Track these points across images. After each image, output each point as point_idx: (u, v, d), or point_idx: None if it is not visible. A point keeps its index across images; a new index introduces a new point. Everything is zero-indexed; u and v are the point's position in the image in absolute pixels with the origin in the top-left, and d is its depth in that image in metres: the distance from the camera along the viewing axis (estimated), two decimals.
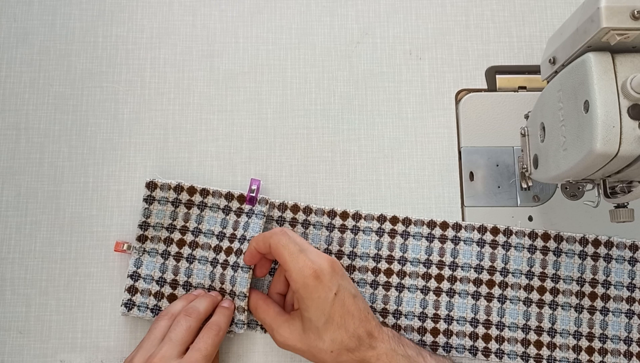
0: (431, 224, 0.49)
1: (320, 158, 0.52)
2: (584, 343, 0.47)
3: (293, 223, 0.49)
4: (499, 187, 0.51)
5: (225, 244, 0.48)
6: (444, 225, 0.49)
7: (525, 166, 0.45)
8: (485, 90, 0.53)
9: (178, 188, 0.48)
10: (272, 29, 0.54)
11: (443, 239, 0.49)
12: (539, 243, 0.48)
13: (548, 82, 0.41)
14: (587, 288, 0.47)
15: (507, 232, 0.48)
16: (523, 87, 0.52)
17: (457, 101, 0.53)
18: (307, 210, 0.49)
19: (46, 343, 0.48)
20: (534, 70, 0.53)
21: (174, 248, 0.48)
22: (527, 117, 0.47)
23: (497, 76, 0.53)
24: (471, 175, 0.51)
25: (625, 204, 0.38)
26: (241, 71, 0.53)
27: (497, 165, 0.51)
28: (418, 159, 0.52)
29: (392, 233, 0.49)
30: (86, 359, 0.47)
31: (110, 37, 0.54)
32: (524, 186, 0.48)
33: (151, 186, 0.48)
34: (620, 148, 0.32)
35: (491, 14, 0.54)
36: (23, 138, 0.52)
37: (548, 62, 0.40)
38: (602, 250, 0.48)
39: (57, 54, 0.53)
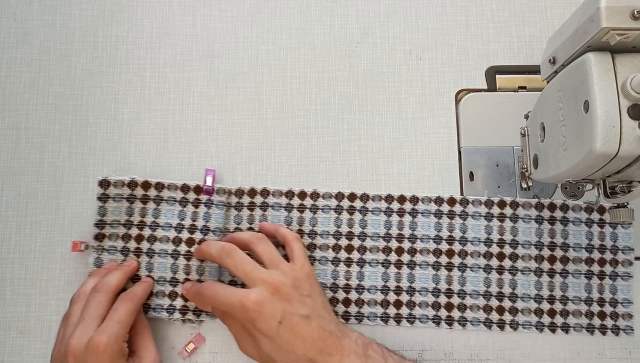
0: (389, 198, 0.49)
1: (320, 158, 0.52)
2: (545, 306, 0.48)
3: (251, 207, 0.49)
4: (499, 187, 0.51)
5: (185, 235, 0.48)
6: (401, 199, 0.49)
7: (525, 166, 0.45)
8: (485, 90, 0.53)
9: (132, 184, 0.48)
10: (272, 29, 0.54)
11: (401, 212, 0.49)
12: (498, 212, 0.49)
13: (548, 82, 0.41)
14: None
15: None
16: (523, 87, 0.52)
17: (457, 101, 0.53)
18: (265, 192, 0.50)
19: (46, 343, 0.48)
20: (534, 70, 0.53)
21: (132, 244, 0.48)
22: (527, 117, 0.47)
23: (497, 76, 0.53)
24: (471, 175, 0.51)
25: (625, 204, 0.38)
26: (241, 71, 0.53)
27: (497, 165, 0.51)
28: (418, 159, 0.52)
29: (351, 210, 0.49)
30: None
31: (110, 37, 0.54)
32: (524, 186, 0.48)
33: (104, 184, 0.48)
34: (620, 148, 0.32)
35: (491, 14, 0.54)
36: (23, 138, 0.52)
37: (548, 62, 0.40)
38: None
39: (57, 54, 0.53)
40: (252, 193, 0.50)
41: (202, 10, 0.55)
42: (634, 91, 0.32)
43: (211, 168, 0.50)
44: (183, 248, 0.47)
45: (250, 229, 0.49)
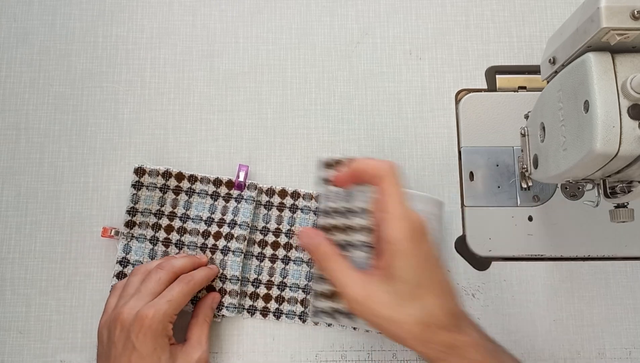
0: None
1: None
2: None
3: (280, 207, 0.50)
4: (499, 187, 0.51)
5: (213, 229, 0.48)
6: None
7: (525, 166, 0.45)
8: (485, 90, 0.53)
9: (166, 174, 0.49)
10: (272, 29, 0.54)
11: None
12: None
13: (548, 82, 0.41)
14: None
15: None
16: (523, 87, 0.52)
17: (457, 101, 0.53)
18: (295, 195, 0.50)
19: (46, 343, 0.48)
20: (534, 70, 0.53)
21: (162, 234, 0.48)
22: (527, 117, 0.47)
23: (497, 76, 0.53)
24: (471, 175, 0.51)
25: (625, 204, 0.38)
26: (241, 71, 0.53)
27: (497, 165, 0.51)
28: (418, 159, 0.52)
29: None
30: (86, 359, 0.47)
31: (110, 37, 0.54)
32: (524, 186, 0.48)
33: (139, 172, 0.49)
34: (620, 148, 0.32)
35: (491, 14, 0.54)
36: (23, 138, 0.52)
37: (548, 62, 0.40)
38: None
39: (57, 54, 0.53)
40: (283, 193, 0.50)
41: (202, 10, 0.55)
42: (634, 91, 0.32)
43: (244, 164, 0.50)
44: (210, 241, 0.48)
45: (278, 230, 0.49)
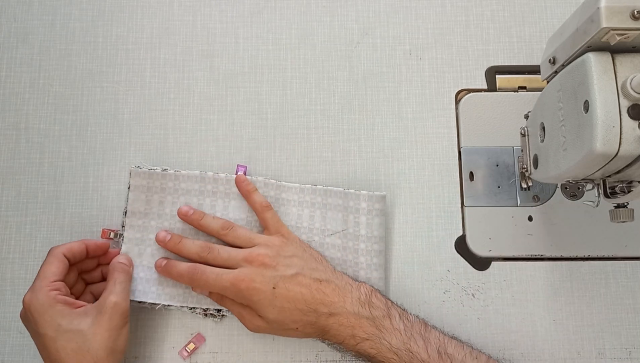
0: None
1: (320, 158, 0.52)
2: None
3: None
4: (499, 187, 0.51)
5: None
6: None
7: (525, 166, 0.45)
8: (485, 90, 0.53)
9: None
10: (272, 29, 0.54)
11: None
12: None
13: (548, 82, 0.41)
14: None
15: None
16: (523, 87, 0.52)
17: (457, 101, 0.53)
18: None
19: None
20: (534, 70, 0.53)
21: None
22: (527, 117, 0.47)
23: (497, 76, 0.53)
24: (471, 175, 0.51)
25: (625, 204, 0.38)
26: (241, 71, 0.53)
27: (497, 165, 0.51)
28: (418, 159, 0.52)
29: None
30: None
31: (110, 37, 0.54)
32: (524, 186, 0.48)
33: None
34: (620, 148, 0.32)
35: (491, 14, 0.54)
36: (23, 138, 0.52)
37: (548, 62, 0.40)
38: None
39: (57, 54, 0.53)
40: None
41: (202, 10, 0.55)
42: (634, 91, 0.32)
43: (242, 164, 0.51)
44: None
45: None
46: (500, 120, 0.52)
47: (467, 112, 0.52)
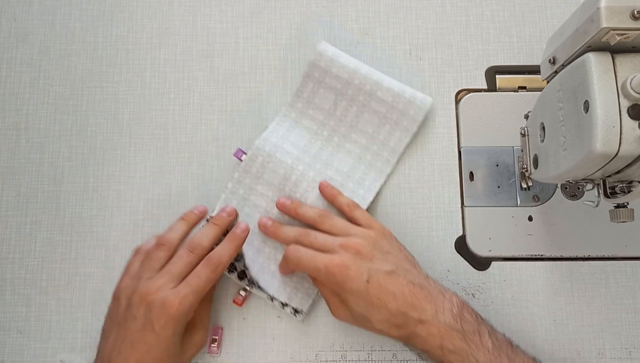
0: None
1: None
2: None
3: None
4: (499, 187, 0.51)
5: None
6: None
7: (525, 166, 0.45)
8: (485, 90, 0.53)
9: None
10: (272, 29, 0.54)
11: None
12: None
13: (548, 82, 0.41)
14: None
15: None
16: (523, 87, 0.52)
17: (457, 101, 0.53)
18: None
19: (46, 343, 0.48)
20: (534, 70, 0.53)
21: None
22: (527, 117, 0.47)
23: (497, 76, 0.53)
24: (471, 175, 0.51)
25: (625, 204, 0.38)
26: (241, 71, 0.53)
27: (497, 165, 0.51)
28: (418, 159, 0.52)
29: None
30: (86, 359, 0.47)
31: (110, 37, 0.54)
32: (524, 186, 0.48)
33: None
34: (620, 148, 0.32)
35: (491, 14, 0.54)
36: (23, 138, 0.52)
37: (548, 62, 0.40)
38: None
39: (57, 54, 0.53)
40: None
41: (202, 10, 0.55)
42: (634, 91, 0.32)
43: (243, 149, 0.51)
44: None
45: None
46: (500, 120, 0.52)
47: (467, 112, 0.52)
